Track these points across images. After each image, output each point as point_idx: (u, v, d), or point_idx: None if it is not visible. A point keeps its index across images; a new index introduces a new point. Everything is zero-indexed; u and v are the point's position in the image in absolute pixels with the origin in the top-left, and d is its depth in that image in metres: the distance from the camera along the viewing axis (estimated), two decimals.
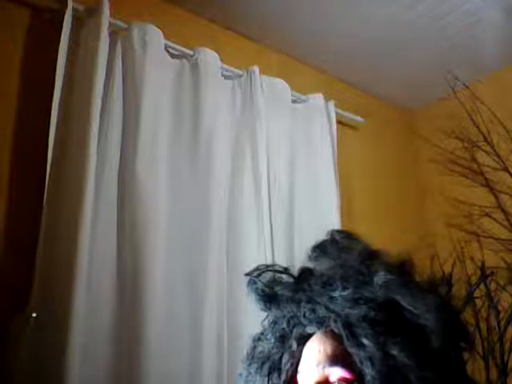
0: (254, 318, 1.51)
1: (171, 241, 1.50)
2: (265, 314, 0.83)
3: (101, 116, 1.44)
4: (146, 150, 1.50)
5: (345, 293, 0.71)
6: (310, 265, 0.81)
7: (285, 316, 0.78)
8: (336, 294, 0.72)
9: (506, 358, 1.79)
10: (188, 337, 1.44)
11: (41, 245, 1.30)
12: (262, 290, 0.81)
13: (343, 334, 0.69)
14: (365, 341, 0.67)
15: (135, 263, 1.39)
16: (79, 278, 1.26)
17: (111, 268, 1.39)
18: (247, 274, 0.83)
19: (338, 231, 0.84)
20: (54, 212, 1.34)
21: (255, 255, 1.61)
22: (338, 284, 0.72)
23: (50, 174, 1.35)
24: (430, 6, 1.92)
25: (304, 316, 0.75)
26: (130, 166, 1.47)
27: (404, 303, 0.69)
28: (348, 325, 0.69)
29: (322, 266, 0.78)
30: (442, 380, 0.66)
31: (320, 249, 0.82)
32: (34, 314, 1.18)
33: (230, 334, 1.52)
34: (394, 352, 0.65)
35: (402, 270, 0.74)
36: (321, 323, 0.74)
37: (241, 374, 0.81)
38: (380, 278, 0.71)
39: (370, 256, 0.76)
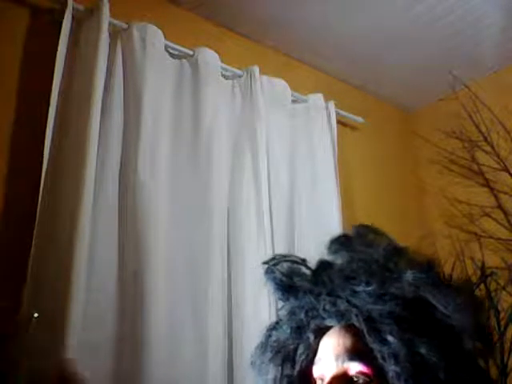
0: (256, 317, 1.52)
1: (172, 240, 1.50)
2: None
3: (101, 116, 1.44)
4: (146, 149, 1.49)
5: (369, 288, 0.70)
6: (329, 257, 0.80)
7: (303, 307, 0.77)
8: (359, 288, 0.71)
9: (505, 358, 1.79)
10: (191, 337, 1.44)
11: (37, 244, 1.28)
12: (281, 280, 0.80)
13: (364, 328, 0.69)
14: (389, 337, 0.66)
15: (136, 263, 1.38)
16: (78, 278, 1.25)
17: (112, 268, 1.39)
18: (265, 263, 0.82)
19: (364, 225, 0.83)
20: (51, 211, 1.33)
21: (256, 254, 1.60)
22: (362, 279, 0.71)
23: (46, 174, 1.35)
24: (430, 5, 1.92)
25: (323, 309, 0.75)
26: (130, 165, 1.47)
27: (434, 302, 0.68)
28: (370, 320, 0.69)
29: (342, 259, 0.77)
30: (470, 380, 0.65)
31: (340, 242, 0.81)
32: (36, 315, 1.18)
33: (234, 332, 1.51)
34: (422, 350, 0.65)
35: (432, 268, 0.73)
36: (341, 317, 0.73)
37: (254, 362, 0.80)
38: (410, 275, 0.70)
39: (397, 253, 0.75)
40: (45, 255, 1.29)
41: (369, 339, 0.68)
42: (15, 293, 1.25)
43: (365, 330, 0.69)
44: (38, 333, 1.20)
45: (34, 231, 1.30)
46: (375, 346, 0.67)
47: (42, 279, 1.27)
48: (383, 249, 0.76)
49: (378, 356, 0.67)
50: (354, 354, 0.70)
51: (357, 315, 0.71)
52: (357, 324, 0.71)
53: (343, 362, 0.70)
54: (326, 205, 1.89)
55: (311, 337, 0.76)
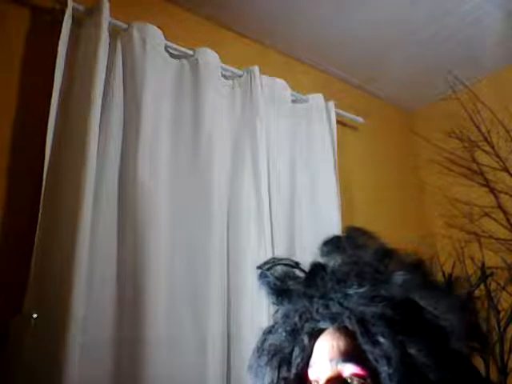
0: (255, 318, 1.52)
1: (172, 241, 1.50)
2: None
3: (101, 116, 1.44)
4: (146, 149, 1.49)
5: (361, 290, 0.71)
6: (321, 260, 0.80)
7: (297, 310, 0.78)
8: (351, 291, 0.72)
9: (505, 358, 1.79)
10: (191, 337, 1.44)
11: (38, 245, 1.29)
12: (275, 284, 0.81)
13: (357, 330, 0.69)
14: (381, 339, 0.67)
15: (136, 264, 1.38)
16: (78, 278, 1.25)
17: (111, 268, 1.38)
18: (259, 267, 0.83)
19: (355, 228, 0.84)
20: (52, 211, 1.33)
21: (256, 255, 1.60)
22: (354, 281, 0.72)
23: (47, 174, 1.35)
24: (430, 6, 1.92)
25: (317, 311, 0.75)
26: (130, 166, 1.47)
27: (423, 303, 0.69)
28: (363, 322, 0.69)
29: (335, 261, 0.78)
30: (461, 380, 0.66)
31: (332, 244, 0.81)
32: (35, 315, 1.18)
33: (233, 333, 1.51)
34: (413, 351, 0.66)
35: (420, 269, 0.74)
36: (334, 319, 0.74)
37: (251, 366, 0.81)
38: (399, 277, 0.71)
39: (387, 254, 0.76)
40: (46, 257, 1.29)
41: (361, 341, 0.69)
42: (16, 294, 1.26)
43: (357, 332, 0.70)
44: (38, 333, 1.20)
45: (36, 233, 1.30)
46: (368, 348, 0.68)
47: (44, 281, 1.27)
48: (374, 251, 0.77)
49: (371, 357, 0.68)
50: (348, 356, 0.70)
51: (349, 317, 0.71)
52: (349, 326, 0.72)
53: (337, 364, 0.71)
54: (326, 205, 1.89)
55: (306, 339, 0.76)
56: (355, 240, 0.81)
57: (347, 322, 0.72)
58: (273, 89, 1.91)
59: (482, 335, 0.73)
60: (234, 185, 1.69)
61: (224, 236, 1.60)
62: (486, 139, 2.09)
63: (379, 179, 2.31)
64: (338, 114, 2.10)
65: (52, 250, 1.30)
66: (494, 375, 1.77)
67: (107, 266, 1.38)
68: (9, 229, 1.34)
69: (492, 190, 2.12)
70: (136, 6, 1.74)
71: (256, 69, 1.85)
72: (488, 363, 1.76)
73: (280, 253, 1.70)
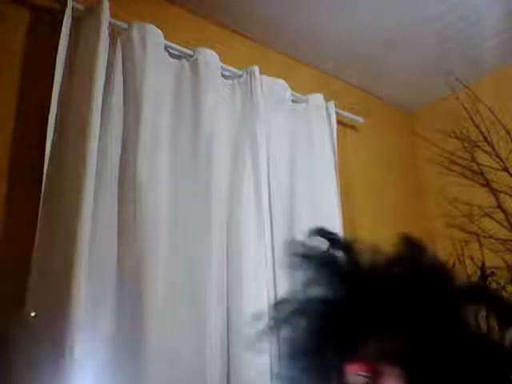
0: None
1: (172, 241, 1.50)
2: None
3: (101, 116, 1.44)
4: (146, 150, 1.49)
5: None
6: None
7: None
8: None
9: None
10: (190, 337, 1.44)
11: (38, 245, 1.29)
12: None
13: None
14: (395, 335, 0.67)
15: (136, 264, 1.38)
16: (78, 278, 1.25)
17: (111, 268, 1.39)
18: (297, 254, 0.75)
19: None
20: (52, 211, 1.33)
21: (256, 255, 1.60)
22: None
23: (47, 173, 1.35)
24: (430, 5, 1.92)
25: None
26: (130, 166, 1.47)
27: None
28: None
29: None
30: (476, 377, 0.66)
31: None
32: (33, 314, 1.18)
33: (232, 333, 1.51)
34: (428, 350, 0.66)
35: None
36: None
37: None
38: None
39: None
40: (46, 257, 1.29)
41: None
42: (16, 293, 1.26)
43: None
44: (38, 332, 1.20)
45: (36, 232, 1.30)
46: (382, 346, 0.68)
47: (44, 281, 1.27)
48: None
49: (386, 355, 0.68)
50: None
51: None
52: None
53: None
54: (326, 205, 1.89)
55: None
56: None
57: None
58: (273, 89, 1.91)
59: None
60: (233, 184, 1.69)
61: (224, 235, 1.60)
62: (485, 139, 2.09)
63: (379, 179, 2.31)
64: (338, 114, 2.10)
65: (52, 249, 1.30)
66: None
67: (107, 265, 1.38)
68: (9, 229, 1.34)
69: (492, 190, 2.12)
70: (136, 5, 1.74)
71: (256, 69, 1.85)
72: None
73: (280, 253, 1.69)
